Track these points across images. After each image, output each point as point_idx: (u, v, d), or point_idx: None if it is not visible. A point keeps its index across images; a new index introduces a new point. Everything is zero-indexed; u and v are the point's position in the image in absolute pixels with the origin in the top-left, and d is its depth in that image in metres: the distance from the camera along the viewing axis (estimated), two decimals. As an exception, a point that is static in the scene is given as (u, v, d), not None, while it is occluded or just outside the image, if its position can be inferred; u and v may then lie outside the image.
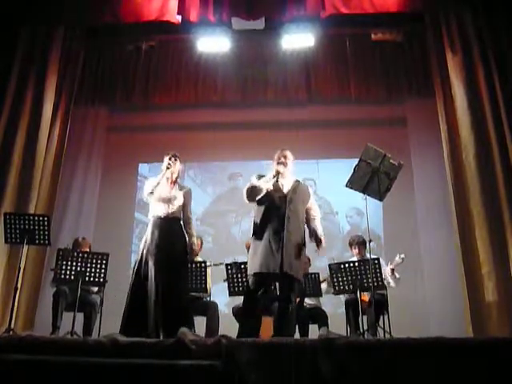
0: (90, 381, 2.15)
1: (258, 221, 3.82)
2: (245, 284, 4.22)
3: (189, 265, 4.56)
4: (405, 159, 4.81)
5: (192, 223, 4.22)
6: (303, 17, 5.70)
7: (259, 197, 3.78)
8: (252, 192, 3.79)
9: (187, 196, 4.21)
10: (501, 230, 4.77)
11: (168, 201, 4.08)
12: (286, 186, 3.87)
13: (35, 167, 5.36)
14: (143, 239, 4.10)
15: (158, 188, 4.06)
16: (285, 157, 3.92)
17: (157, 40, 6.47)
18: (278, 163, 3.88)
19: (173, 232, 4.05)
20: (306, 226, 3.94)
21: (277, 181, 3.80)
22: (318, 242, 3.84)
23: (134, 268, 4.03)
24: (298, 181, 3.97)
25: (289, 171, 3.95)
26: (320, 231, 3.90)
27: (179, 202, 4.12)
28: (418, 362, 2.49)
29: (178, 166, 4.21)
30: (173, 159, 4.16)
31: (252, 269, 3.71)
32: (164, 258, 3.92)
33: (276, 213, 3.74)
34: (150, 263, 3.93)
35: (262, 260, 3.65)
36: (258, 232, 3.78)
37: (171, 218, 4.07)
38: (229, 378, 2.32)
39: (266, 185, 3.79)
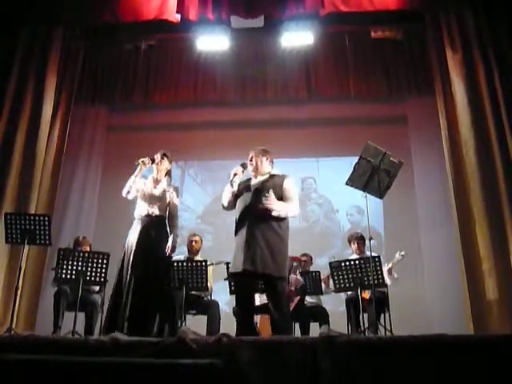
0: (91, 380, 2.15)
1: (235, 222, 3.79)
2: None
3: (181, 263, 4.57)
4: (405, 157, 4.82)
5: (176, 222, 4.19)
6: (302, 15, 5.69)
7: (229, 201, 3.80)
8: (223, 200, 3.84)
9: (172, 194, 4.18)
10: (501, 226, 4.77)
11: (151, 199, 4.08)
12: (255, 183, 3.80)
13: (35, 167, 5.36)
14: (127, 237, 4.09)
15: (140, 186, 4.07)
16: (252, 157, 3.86)
17: (156, 39, 6.48)
18: (241, 165, 3.86)
19: (155, 230, 4.03)
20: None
21: (232, 181, 3.77)
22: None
23: (118, 266, 4.03)
24: (272, 175, 3.83)
25: (263, 168, 3.83)
26: (276, 204, 3.59)
27: (163, 200, 4.11)
28: (419, 360, 2.49)
29: (164, 165, 4.20)
30: (158, 157, 4.16)
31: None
32: (142, 256, 3.92)
33: (241, 212, 3.70)
34: (133, 261, 3.93)
35: (232, 261, 3.68)
36: (235, 233, 3.77)
37: (154, 216, 4.07)
38: (230, 376, 2.33)
39: (230, 189, 3.80)
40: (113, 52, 6.79)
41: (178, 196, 4.25)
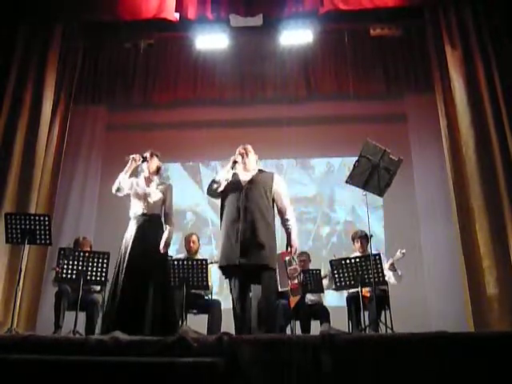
0: (92, 379, 2.16)
1: (221, 213, 3.84)
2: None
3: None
4: (405, 154, 4.80)
5: (172, 219, 4.19)
6: (301, 13, 5.69)
7: (220, 189, 3.81)
8: (211, 187, 3.82)
9: (166, 192, 4.18)
10: (501, 224, 4.77)
11: (144, 198, 4.08)
12: (247, 177, 3.86)
13: (35, 166, 5.36)
14: (124, 237, 4.06)
15: (133, 185, 4.08)
16: (245, 149, 3.93)
17: (155, 38, 6.44)
18: (240, 154, 3.89)
19: (151, 229, 4.03)
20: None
21: (234, 169, 3.81)
22: (291, 247, 3.79)
23: (116, 266, 3.99)
24: (260, 170, 3.94)
25: (252, 164, 3.93)
26: (294, 235, 3.81)
27: (157, 198, 4.10)
28: (420, 357, 2.49)
29: (154, 163, 4.20)
30: (148, 155, 4.17)
31: (218, 263, 3.77)
32: (139, 255, 3.90)
33: (233, 205, 3.73)
34: (128, 261, 3.90)
35: (222, 253, 3.69)
36: (220, 224, 3.82)
37: (150, 214, 4.06)
38: (230, 375, 2.33)
39: (225, 176, 3.81)
40: (112, 51, 6.78)
41: (171, 193, 4.24)
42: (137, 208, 4.08)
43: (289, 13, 5.68)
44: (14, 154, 5.30)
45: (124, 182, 4.09)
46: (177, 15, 5.61)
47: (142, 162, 4.17)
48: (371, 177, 4.23)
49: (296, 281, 4.79)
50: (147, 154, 4.19)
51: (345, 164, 7.00)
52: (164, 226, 4.11)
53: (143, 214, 4.05)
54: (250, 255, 3.57)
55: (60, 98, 5.85)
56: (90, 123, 7.30)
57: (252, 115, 7.23)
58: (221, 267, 3.72)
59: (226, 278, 3.89)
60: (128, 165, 4.12)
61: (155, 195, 4.11)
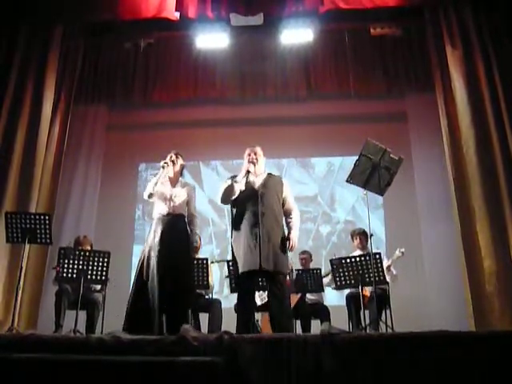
0: (92, 378, 2.16)
1: (235, 220, 3.85)
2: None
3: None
4: (405, 154, 4.80)
5: (196, 221, 4.21)
6: (302, 12, 5.68)
7: (233, 197, 3.83)
8: (225, 194, 3.83)
9: (191, 193, 4.20)
10: (502, 223, 4.76)
11: (170, 198, 4.07)
12: (258, 182, 3.89)
13: (36, 166, 5.36)
14: (147, 236, 4.08)
15: (158, 187, 4.05)
16: (255, 153, 3.95)
17: (155, 37, 6.43)
18: (249, 162, 3.91)
19: (176, 229, 4.03)
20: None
21: (247, 180, 3.83)
22: (289, 241, 3.82)
23: (138, 265, 4.00)
24: (269, 174, 4.00)
25: (261, 167, 3.97)
26: (294, 233, 3.85)
27: (182, 199, 4.11)
28: (420, 356, 2.49)
29: (179, 164, 4.21)
30: (173, 157, 4.18)
31: (239, 268, 3.77)
32: (167, 255, 3.90)
33: (250, 210, 3.75)
34: (153, 260, 3.90)
35: (243, 259, 3.69)
36: (236, 232, 3.82)
37: (175, 215, 4.06)
38: (231, 374, 2.33)
39: (237, 185, 3.82)
40: (112, 50, 6.78)
41: (195, 195, 4.28)
42: (161, 208, 4.07)
43: (289, 12, 5.68)
44: (15, 153, 5.30)
45: (156, 187, 4.04)
46: (177, 14, 5.61)
47: (173, 164, 4.16)
48: (372, 176, 4.24)
49: (288, 278, 4.80)
50: (172, 155, 4.19)
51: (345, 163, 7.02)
52: (188, 228, 4.11)
53: (168, 215, 4.04)
54: (269, 261, 3.61)
55: (60, 98, 5.85)
56: (90, 123, 7.30)
57: (252, 114, 7.23)
58: (243, 273, 3.70)
59: (226, 277, 3.90)
60: (162, 171, 4.07)
61: (181, 196, 4.11)
